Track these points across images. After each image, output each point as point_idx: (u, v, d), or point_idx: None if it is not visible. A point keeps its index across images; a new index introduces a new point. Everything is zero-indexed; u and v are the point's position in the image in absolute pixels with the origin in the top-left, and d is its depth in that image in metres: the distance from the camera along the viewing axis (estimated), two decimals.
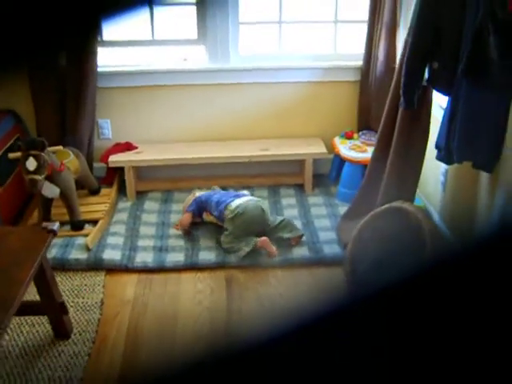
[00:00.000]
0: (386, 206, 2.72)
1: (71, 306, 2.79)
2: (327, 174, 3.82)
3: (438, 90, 2.62)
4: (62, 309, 2.58)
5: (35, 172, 2.95)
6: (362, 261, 2.75)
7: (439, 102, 2.90)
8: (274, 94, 3.73)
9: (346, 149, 3.54)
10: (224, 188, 3.72)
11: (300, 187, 3.75)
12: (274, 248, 3.07)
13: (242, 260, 3.04)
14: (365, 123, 3.70)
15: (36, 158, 2.94)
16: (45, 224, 2.45)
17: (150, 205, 3.59)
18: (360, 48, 3.65)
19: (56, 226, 2.43)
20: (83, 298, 2.87)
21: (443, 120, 2.66)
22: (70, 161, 3.26)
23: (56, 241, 3.19)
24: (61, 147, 3.15)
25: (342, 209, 3.48)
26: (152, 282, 2.99)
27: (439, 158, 2.73)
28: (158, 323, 2.79)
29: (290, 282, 3.01)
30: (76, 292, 2.90)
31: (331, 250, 3.11)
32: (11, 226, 3.38)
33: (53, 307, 2.54)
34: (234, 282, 2.99)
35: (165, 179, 3.76)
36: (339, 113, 3.78)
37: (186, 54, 3.74)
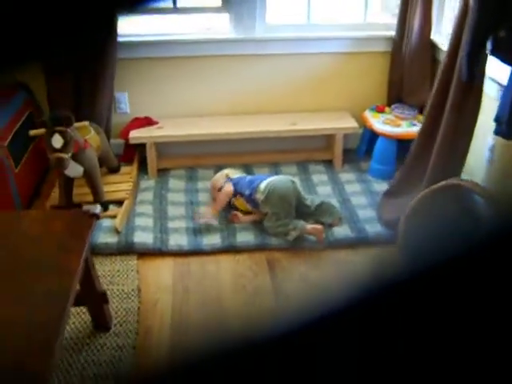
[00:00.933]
0: (444, 182, 2.51)
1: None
2: (355, 148, 3.59)
3: (503, 61, 2.39)
4: (103, 298, 2.32)
5: (61, 150, 2.65)
6: (416, 237, 2.55)
7: (491, 74, 2.69)
8: (301, 65, 3.46)
9: (379, 123, 3.31)
10: (249, 165, 3.48)
11: (329, 163, 3.51)
12: (323, 236, 2.86)
13: (284, 242, 2.82)
14: (396, 96, 3.45)
15: (62, 134, 2.63)
16: (86, 207, 2.17)
17: (175, 183, 3.31)
18: (392, 17, 3.41)
19: (98, 208, 2.15)
20: (118, 284, 2.60)
21: (506, 91, 2.45)
22: (91, 137, 2.96)
23: None
24: (86, 123, 2.85)
25: (377, 185, 3.26)
26: (189, 266, 2.74)
27: (498, 131, 2.52)
28: (202, 310, 2.54)
29: (335, 263, 2.79)
30: (109, 278, 2.63)
31: (373, 228, 2.89)
32: (27, 207, 3.08)
33: (94, 296, 2.27)
34: (276, 264, 2.76)
35: (187, 156, 3.48)
36: (368, 85, 3.53)
37: (210, 22, 3.45)
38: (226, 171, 3.18)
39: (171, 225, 2.94)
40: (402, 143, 3.27)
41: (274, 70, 3.44)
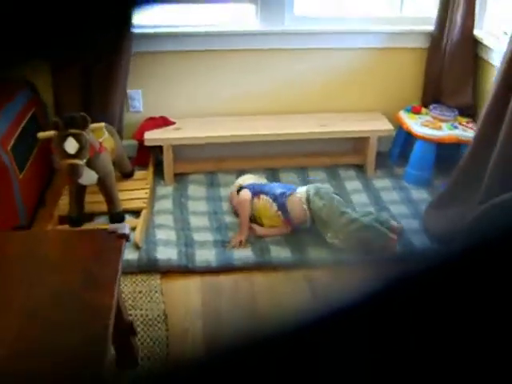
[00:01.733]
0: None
1: None
2: (386, 152, 3.26)
3: None
4: (131, 329, 1.97)
5: (76, 155, 2.28)
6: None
7: None
8: (330, 61, 3.10)
9: (417, 125, 2.98)
10: (274, 170, 3.13)
11: (359, 168, 3.17)
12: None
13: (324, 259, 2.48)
14: (433, 96, 3.12)
15: (77, 138, 2.27)
16: (112, 227, 1.81)
17: (195, 190, 2.95)
18: (429, 10, 3.08)
19: (126, 228, 1.79)
20: (141, 309, 2.24)
21: None
22: (105, 139, 2.59)
23: None
24: (102, 124, 2.48)
25: (415, 193, 2.93)
26: (220, 286, 2.39)
27: None
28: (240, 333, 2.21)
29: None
30: (131, 302, 2.27)
31: (420, 241, 2.57)
32: (33, 217, 2.71)
33: (121, 329, 1.92)
34: (316, 283, 2.43)
35: (206, 159, 3.11)
36: (403, 84, 3.19)
37: (234, 13, 3.08)
38: (239, 181, 2.85)
39: (196, 237, 2.58)
40: (441, 148, 2.95)
41: (302, 66, 3.08)
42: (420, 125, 2.96)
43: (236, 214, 2.75)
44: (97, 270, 1.64)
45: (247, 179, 2.82)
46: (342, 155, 3.20)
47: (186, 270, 2.41)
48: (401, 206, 2.82)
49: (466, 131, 2.92)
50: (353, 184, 3.02)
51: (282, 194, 2.66)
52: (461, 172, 2.51)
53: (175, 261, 2.41)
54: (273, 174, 3.09)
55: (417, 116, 3.06)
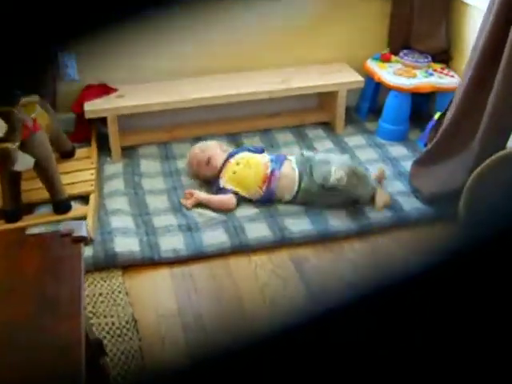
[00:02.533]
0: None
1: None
2: (353, 107, 2.93)
3: None
4: (99, 349, 1.59)
5: (6, 138, 1.83)
6: (479, 209, 1.96)
7: None
8: (287, 8, 2.71)
9: (390, 74, 2.65)
10: (235, 135, 2.75)
11: (327, 126, 2.83)
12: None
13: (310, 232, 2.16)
14: (402, 42, 2.79)
15: (6, 116, 1.81)
16: (66, 228, 1.39)
17: (148, 165, 2.53)
18: None
19: (83, 227, 1.39)
20: (105, 316, 1.85)
21: None
22: (38, 115, 2.13)
23: (36, 231, 2.12)
24: (36, 97, 2.02)
25: (393, 149, 2.62)
26: (193, 278, 2.02)
27: None
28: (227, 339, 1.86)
29: (375, 254, 2.16)
30: (91, 308, 1.88)
31: (411, 205, 2.27)
32: None
33: (87, 350, 1.54)
34: (304, 264, 2.10)
35: (157, 128, 2.67)
36: (368, 29, 2.82)
37: None
38: (201, 146, 2.46)
39: (158, 222, 2.19)
40: (415, 98, 2.65)
41: (260, 16, 2.68)
42: (393, 74, 2.64)
43: (196, 177, 2.42)
44: (53, 289, 1.24)
45: (210, 146, 2.43)
46: (307, 113, 2.84)
47: (151, 262, 2.03)
48: (380, 164, 2.51)
49: (442, 78, 2.61)
50: (323, 144, 2.68)
51: (278, 158, 2.35)
52: (451, 123, 2.20)
53: (138, 253, 2.02)
54: (234, 140, 2.71)
55: (387, 64, 2.73)
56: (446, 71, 2.66)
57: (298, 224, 2.16)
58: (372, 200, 2.27)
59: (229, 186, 2.29)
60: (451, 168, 2.21)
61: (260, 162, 2.36)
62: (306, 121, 2.81)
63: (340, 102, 2.70)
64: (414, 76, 2.61)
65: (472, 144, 2.12)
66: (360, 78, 2.69)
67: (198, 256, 2.05)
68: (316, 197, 2.24)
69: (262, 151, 2.47)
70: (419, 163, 2.33)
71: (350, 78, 2.70)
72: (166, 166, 2.52)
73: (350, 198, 2.24)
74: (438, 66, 2.69)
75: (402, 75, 2.61)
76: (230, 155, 2.41)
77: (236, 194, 2.27)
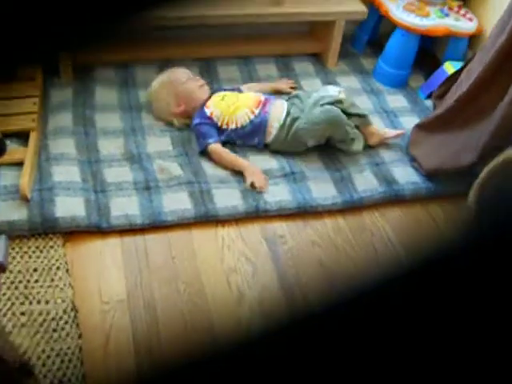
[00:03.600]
0: None
1: (14, 327, 1.47)
2: (349, 36, 2.47)
3: None
4: (25, 371, 1.28)
5: None
6: (495, 210, 1.67)
7: None
8: None
9: (398, 9, 2.19)
10: (209, 60, 2.30)
11: (317, 58, 2.40)
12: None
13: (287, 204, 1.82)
14: None
15: None
16: None
17: (104, 94, 2.07)
18: None
19: (1, 247, 1.03)
20: (39, 301, 1.52)
21: None
22: None
23: None
24: None
25: (391, 99, 2.23)
26: (148, 252, 1.69)
27: None
28: (182, 333, 1.57)
29: (361, 235, 1.85)
30: (23, 289, 1.55)
31: (407, 177, 1.94)
32: None
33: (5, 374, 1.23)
34: (279, 245, 1.78)
35: (116, 47, 2.19)
36: None
37: None
38: (163, 78, 2.02)
39: (110, 176, 1.80)
40: (423, 38, 2.23)
41: None
42: (402, 9, 2.19)
43: (166, 115, 2.01)
44: None
45: (179, 75, 2.00)
46: (296, 40, 2.39)
47: (98, 230, 1.69)
48: (375, 116, 2.13)
49: (458, 20, 2.18)
50: (311, 81, 2.25)
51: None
52: (469, 90, 1.82)
53: (83, 218, 1.65)
54: (207, 67, 2.26)
55: None
56: (462, 11, 2.22)
57: (276, 193, 1.81)
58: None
59: (216, 112, 1.93)
60: (462, 142, 1.86)
61: (249, 93, 2.02)
62: (293, 49, 2.37)
63: (336, 33, 2.25)
64: (427, 15, 2.17)
65: (491, 118, 1.76)
66: (363, 9, 2.23)
67: (155, 225, 1.70)
68: (301, 128, 1.90)
69: (239, 89, 2.07)
70: (422, 128, 1.97)
71: (351, 7, 2.23)
72: (125, 98, 2.08)
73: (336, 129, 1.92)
74: (454, 4, 2.24)
75: (414, 12, 2.17)
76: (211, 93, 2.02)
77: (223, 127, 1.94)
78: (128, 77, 2.16)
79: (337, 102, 1.94)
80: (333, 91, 2.01)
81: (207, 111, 1.94)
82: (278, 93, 2.15)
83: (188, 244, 1.70)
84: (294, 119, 1.92)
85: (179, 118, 1.98)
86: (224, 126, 1.93)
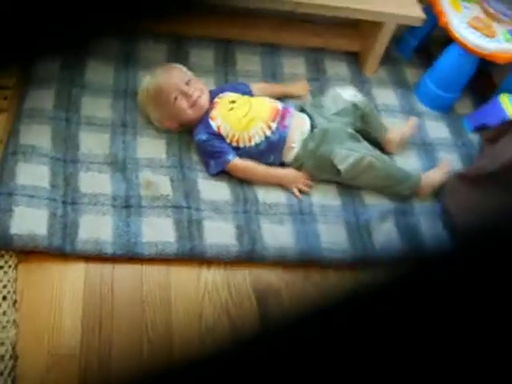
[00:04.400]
0: None
1: None
2: (395, 38, 2.07)
3: None
4: None
5: None
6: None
7: None
8: None
9: (461, 23, 1.81)
10: (226, 44, 1.94)
11: (354, 58, 2.03)
12: None
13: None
14: None
15: None
16: None
17: (98, 70, 1.70)
18: None
19: None
20: None
21: None
22: None
23: None
24: None
25: (431, 126, 1.88)
26: (115, 288, 1.40)
27: None
28: None
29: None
30: None
31: (432, 230, 1.63)
32: None
33: None
34: (270, 300, 1.49)
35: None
36: None
37: None
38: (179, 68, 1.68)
39: (85, 184, 1.48)
40: (482, 61, 1.86)
41: None
42: (466, 24, 1.81)
43: (159, 123, 1.66)
44: None
45: (168, 89, 1.61)
46: (333, 34, 2.01)
47: (61, 253, 1.40)
48: (409, 144, 1.81)
49: None
50: (342, 86, 1.91)
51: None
52: None
53: (43, 238, 1.36)
54: (225, 51, 1.90)
55: (460, 2, 1.88)
56: None
57: (278, 235, 1.51)
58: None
59: (225, 126, 1.59)
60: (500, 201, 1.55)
61: (264, 100, 1.67)
62: (328, 44, 1.99)
63: (383, 36, 1.88)
64: (493, 36, 1.79)
65: None
66: (421, 15, 1.84)
67: (128, 256, 1.42)
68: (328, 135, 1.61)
69: (249, 91, 1.73)
70: (464, 178, 1.64)
71: (407, 10, 1.84)
72: (122, 79, 1.73)
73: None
74: None
75: (478, 30, 1.79)
76: (212, 95, 1.67)
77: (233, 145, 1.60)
78: (130, 53, 1.81)
79: (353, 107, 1.67)
80: (348, 95, 1.69)
81: (213, 124, 1.60)
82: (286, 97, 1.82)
83: (164, 285, 1.42)
84: (324, 133, 1.61)
85: (175, 128, 1.66)
86: (234, 144, 1.60)
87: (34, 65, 1.66)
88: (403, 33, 2.05)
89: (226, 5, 1.81)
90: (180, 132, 1.65)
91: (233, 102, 1.64)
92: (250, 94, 1.72)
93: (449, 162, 1.73)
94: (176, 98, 1.60)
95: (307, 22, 1.96)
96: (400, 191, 1.64)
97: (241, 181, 1.58)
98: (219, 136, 1.60)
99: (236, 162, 1.59)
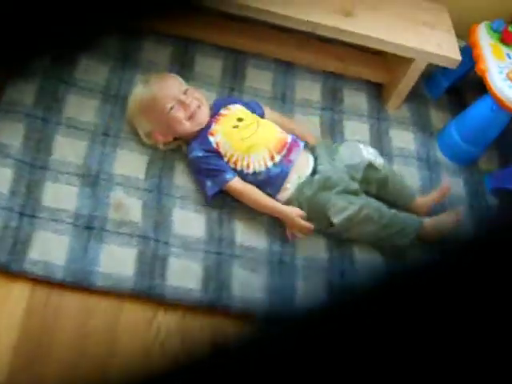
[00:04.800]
0: None
1: None
2: (425, 74, 1.85)
3: None
4: None
5: None
6: None
7: None
8: None
9: (500, 74, 1.60)
10: (238, 55, 1.76)
11: (376, 89, 1.83)
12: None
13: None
14: None
15: None
16: None
17: (90, 67, 1.55)
18: None
19: None
20: None
21: None
22: None
23: None
24: None
25: (450, 180, 1.71)
26: (58, 318, 1.26)
27: None
28: None
29: None
30: None
31: None
32: None
33: None
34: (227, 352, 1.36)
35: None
36: None
37: None
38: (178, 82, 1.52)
39: (48, 196, 1.34)
40: None
41: None
42: (505, 76, 1.60)
43: (147, 137, 1.50)
44: None
45: (163, 97, 1.46)
46: (356, 59, 1.82)
47: (5, 270, 1.27)
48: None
49: None
50: (356, 126, 1.71)
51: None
52: None
53: None
54: (234, 62, 1.73)
55: (504, 50, 1.67)
56: None
57: (249, 285, 1.36)
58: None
59: (225, 144, 1.44)
60: None
61: (274, 127, 1.51)
62: (350, 70, 1.80)
63: (412, 73, 1.69)
64: None
65: None
66: (457, 57, 1.64)
67: (80, 285, 1.29)
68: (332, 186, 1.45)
69: (261, 113, 1.57)
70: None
71: (443, 50, 1.64)
72: (115, 80, 1.58)
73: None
74: None
75: None
76: (217, 106, 1.52)
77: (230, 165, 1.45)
78: (129, 52, 1.65)
79: (369, 168, 1.49)
80: (368, 152, 1.52)
81: (211, 140, 1.45)
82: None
83: (112, 322, 1.28)
84: (325, 180, 1.45)
85: (166, 143, 1.51)
86: (231, 165, 1.45)
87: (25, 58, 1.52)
88: (435, 70, 1.85)
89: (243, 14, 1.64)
90: (166, 151, 1.50)
91: (240, 119, 1.48)
92: (261, 115, 1.56)
93: (462, 210, 1.55)
94: (172, 108, 1.45)
95: (328, 43, 1.77)
96: (397, 241, 1.47)
97: (220, 216, 1.43)
98: (217, 153, 1.44)
99: (235, 183, 1.43)
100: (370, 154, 1.52)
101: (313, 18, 1.56)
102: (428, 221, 1.51)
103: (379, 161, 1.53)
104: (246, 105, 1.56)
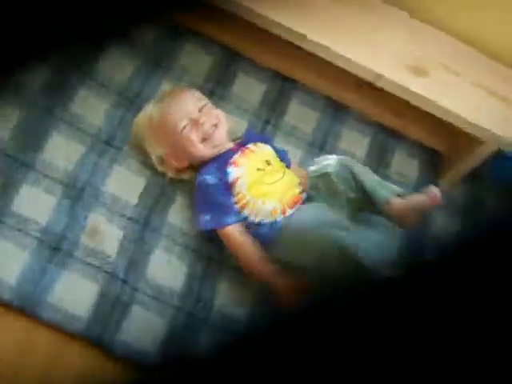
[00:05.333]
0: None
1: None
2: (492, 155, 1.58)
3: None
4: None
5: None
6: None
7: None
8: None
9: None
10: (285, 81, 1.54)
11: (432, 157, 1.56)
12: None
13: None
14: None
15: None
16: None
17: (113, 63, 1.38)
18: None
19: None
20: None
21: None
22: None
23: None
24: None
25: None
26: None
27: None
28: None
29: None
30: None
31: None
32: None
33: None
34: None
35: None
36: None
37: None
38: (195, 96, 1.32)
39: (22, 202, 1.17)
40: None
41: None
42: None
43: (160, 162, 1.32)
44: None
45: (175, 114, 1.27)
46: (415, 119, 1.56)
47: None
48: None
49: None
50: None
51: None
52: None
53: None
54: (280, 90, 1.50)
55: None
56: None
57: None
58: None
59: (243, 182, 1.24)
60: None
61: (296, 180, 1.29)
62: (406, 129, 1.55)
63: (479, 152, 1.42)
64: None
65: None
66: None
67: (33, 316, 1.12)
68: None
69: (288, 165, 1.35)
70: None
71: None
72: (139, 83, 1.39)
73: None
74: None
75: None
76: (248, 136, 1.34)
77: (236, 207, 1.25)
78: (165, 52, 1.46)
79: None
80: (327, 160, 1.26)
81: (231, 171, 1.25)
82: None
83: (50, 361, 1.13)
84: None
85: (179, 171, 1.32)
86: (237, 207, 1.24)
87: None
88: (502, 152, 1.57)
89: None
90: (169, 179, 1.31)
91: (268, 163, 1.28)
92: (287, 165, 1.35)
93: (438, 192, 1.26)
94: (185, 127, 1.26)
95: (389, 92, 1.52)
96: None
97: (205, 271, 1.24)
98: (230, 189, 1.25)
99: (234, 230, 1.23)
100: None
101: (376, 69, 1.32)
102: (396, 198, 1.23)
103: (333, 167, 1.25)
104: (276, 150, 1.35)
